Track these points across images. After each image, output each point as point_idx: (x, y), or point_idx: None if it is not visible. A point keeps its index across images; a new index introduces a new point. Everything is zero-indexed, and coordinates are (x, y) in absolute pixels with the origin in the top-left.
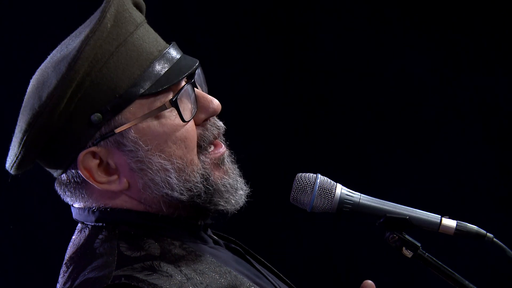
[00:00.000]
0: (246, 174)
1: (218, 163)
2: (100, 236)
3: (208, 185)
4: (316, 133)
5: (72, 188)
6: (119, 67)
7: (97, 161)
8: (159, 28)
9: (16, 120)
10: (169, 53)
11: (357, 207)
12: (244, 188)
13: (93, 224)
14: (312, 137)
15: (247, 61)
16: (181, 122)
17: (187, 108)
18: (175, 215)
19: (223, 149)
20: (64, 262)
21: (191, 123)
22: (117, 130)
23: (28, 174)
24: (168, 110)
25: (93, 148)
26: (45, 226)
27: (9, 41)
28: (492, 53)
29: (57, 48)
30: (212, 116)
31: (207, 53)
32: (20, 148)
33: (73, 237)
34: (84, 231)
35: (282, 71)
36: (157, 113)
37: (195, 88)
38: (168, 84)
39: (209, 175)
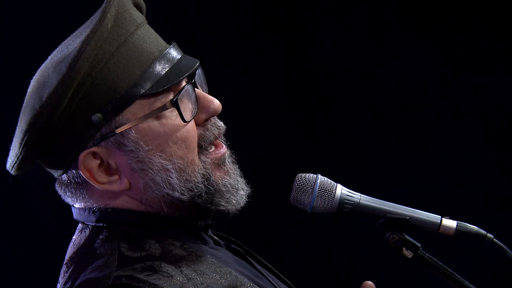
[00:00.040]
0: (246, 174)
1: (219, 163)
2: (101, 236)
3: (209, 185)
4: (316, 133)
5: (72, 189)
6: (119, 67)
7: (98, 162)
8: (159, 28)
9: (17, 121)
10: (169, 53)
11: (357, 208)
12: (245, 188)
13: (93, 224)
14: (312, 137)
15: (247, 61)
16: (181, 122)
17: (187, 108)
18: (176, 215)
19: (224, 149)
20: (64, 262)
21: (192, 123)
22: (118, 131)
23: (28, 174)
24: (168, 110)
25: (94, 149)
26: (45, 226)
27: (9, 41)
28: (492, 53)
29: (57, 48)
30: (212, 116)
31: (207, 53)
32: (20, 149)
33: (74, 237)
34: (85, 231)
35: (282, 71)
36: (157, 113)
37: (195, 89)
38: (168, 84)
39: (210, 175)
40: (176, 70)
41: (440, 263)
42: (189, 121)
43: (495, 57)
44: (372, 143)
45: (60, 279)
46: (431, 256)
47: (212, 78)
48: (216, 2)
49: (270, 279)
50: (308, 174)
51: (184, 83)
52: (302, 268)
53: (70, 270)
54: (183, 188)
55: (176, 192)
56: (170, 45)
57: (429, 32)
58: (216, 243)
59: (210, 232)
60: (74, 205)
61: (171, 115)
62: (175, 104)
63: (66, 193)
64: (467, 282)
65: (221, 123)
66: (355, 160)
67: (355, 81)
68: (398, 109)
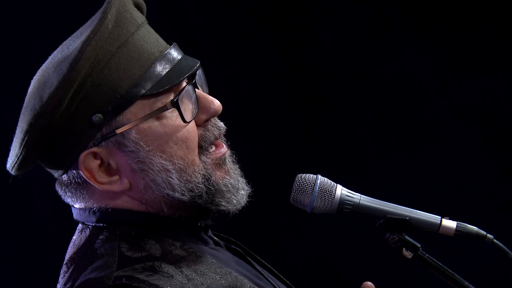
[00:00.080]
0: (246, 174)
1: (220, 163)
2: (101, 237)
3: (209, 185)
4: (316, 133)
5: (73, 189)
6: (120, 67)
7: (98, 162)
8: (159, 28)
9: (17, 121)
10: (170, 53)
11: (357, 208)
12: (246, 188)
13: (94, 224)
14: (312, 137)
15: (247, 61)
16: (182, 122)
17: (188, 108)
18: (176, 216)
19: (224, 149)
20: (64, 262)
21: (192, 123)
22: (118, 131)
23: (28, 174)
24: (169, 110)
25: (94, 149)
26: (45, 226)
27: (9, 41)
28: (492, 53)
29: (58, 48)
30: (213, 116)
31: (207, 53)
32: (21, 149)
33: (74, 237)
34: (85, 232)
35: (282, 71)
36: (158, 114)
37: (196, 89)
38: (169, 84)
39: (210, 175)
40: (177, 70)
41: (440, 263)
42: (190, 122)
43: (495, 57)
44: (372, 143)
45: (60, 279)
46: (431, 257)
47: (212, 78)
48: (216, 2)
49: (270, 279)
50: (308, 174)
51: (184, 83)
52: (302, 268)
53: (70, 270)
54: (183, 189)
55: (176, 193)
56: (171, 45)
57: (429, 32)
58: (216, 243)
59: (210, 233)
60: (74, 205)
61: (172, 115)
62: (175, 104)
63: (66, 193)
64: (467, 283)
65: (221, 124)
66: (355, 160)
67: (355, 81)
68: (398, 109)
